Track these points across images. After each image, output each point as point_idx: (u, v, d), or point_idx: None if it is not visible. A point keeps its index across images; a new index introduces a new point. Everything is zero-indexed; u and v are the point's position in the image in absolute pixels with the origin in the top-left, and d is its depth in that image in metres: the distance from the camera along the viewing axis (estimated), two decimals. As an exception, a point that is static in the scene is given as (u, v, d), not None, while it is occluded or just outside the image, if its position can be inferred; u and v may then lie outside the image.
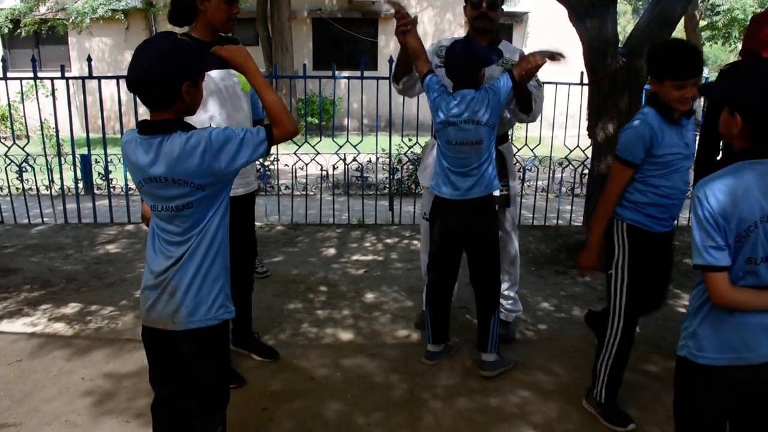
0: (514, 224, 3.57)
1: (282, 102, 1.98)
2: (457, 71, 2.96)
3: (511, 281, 3.63)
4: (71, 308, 3.98)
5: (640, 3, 26.78)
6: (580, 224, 6.00)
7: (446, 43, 3.17)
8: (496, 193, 3.15)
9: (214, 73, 2.84)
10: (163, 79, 1.83)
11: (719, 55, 34.67)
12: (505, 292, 3.57)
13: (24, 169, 6.00)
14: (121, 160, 5.99)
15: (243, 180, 3.06)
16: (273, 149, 4.02)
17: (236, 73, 2.89)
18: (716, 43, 20.74)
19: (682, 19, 9.08)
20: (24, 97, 6.38)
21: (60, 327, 3.72)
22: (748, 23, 3.13)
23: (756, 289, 1.74)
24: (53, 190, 6.64)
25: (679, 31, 22.08)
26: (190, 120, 1.95)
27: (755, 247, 1.71)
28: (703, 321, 1.81)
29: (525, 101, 3.19)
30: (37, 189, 6.53)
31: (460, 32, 16.32)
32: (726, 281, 1.72)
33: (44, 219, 6.06)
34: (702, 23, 20.60)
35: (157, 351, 2.06)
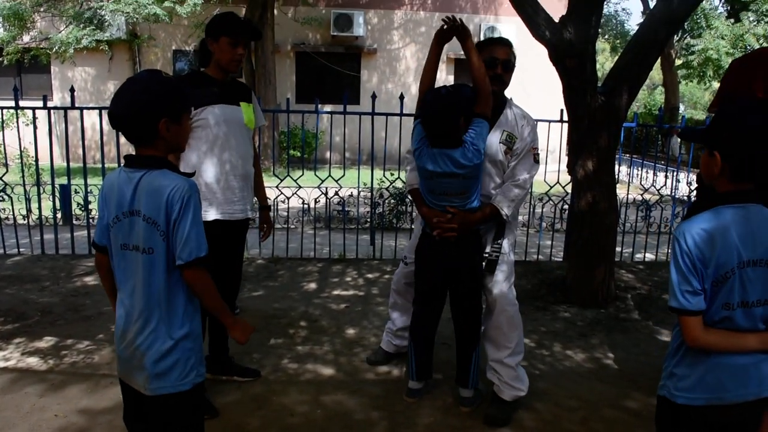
0: (509, 281, 3.24)
1: (216, 311, 2.03)
2: (432, 129, 2.93)
3: (512, 348, 3.19)
4: (46, 342, 3.90)
5: (618, 42, 27.40)
6: (560, 259, 6.04)
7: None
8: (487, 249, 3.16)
9: (218, 109, 3.08)
10: (138, 116, 1.87)
11: (695, 92, 35.49)
12: (505, 360, 3.18)
13: (1, 198, 5.93)
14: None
15: (240, 206, 3.22)
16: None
17: (241, 108, 3.17)
18: (692, 81, 21.24)
19: (659, 59, 9.27)
20: (3, 125, 6.32)
21: (33, 361, 3.63)
22: (729, 65, 3.20)
23: (729, 331, 1.74)
24: (31, 220, 6.55)
25: (656, 70, 22.61)
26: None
27: (731, 293, 1.71)
28: (680, 361, 1.82)
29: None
30: (14, 218, 6.45)
31: (442, 67, 16.53)
32: (699, 325, 1.72)
33: (20, 249, 5.97)
34: (678, 62, 21.11)
35: (132, 391, 2.04)
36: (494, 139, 3.07)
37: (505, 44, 3.16)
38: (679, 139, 18.75)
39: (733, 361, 1.75)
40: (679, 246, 1.72)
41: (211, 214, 3.08)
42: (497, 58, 3.08)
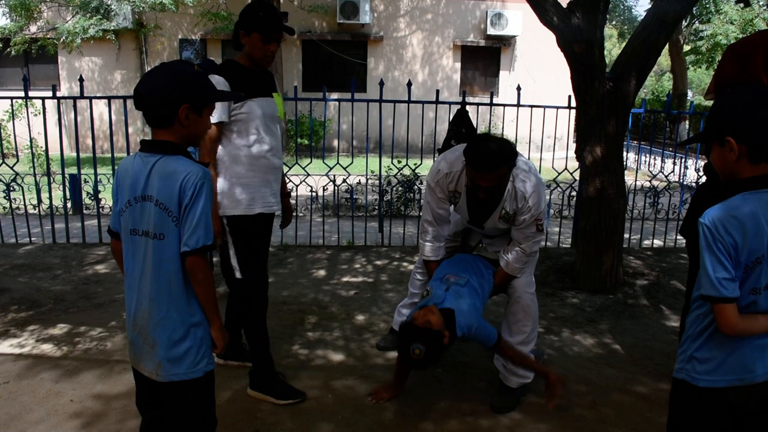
0: (529, 271, 3.27)
1: (209, 304, 2.00)
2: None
3: (523, 337, 3.21)
4: (59, 329, 3.95)
5: (626, 28, 27.19)
6: (569, 246, 6.05)
7: (446, 170, 3.13)
8: None
9: (256, 102, 3.02)
10: (162, 96, 1.89)
11: (703, 78, 35.25)
12: (515, 347, 3.18)
13: (12, 188, 5.98)
14: (110, 180, 5.97)
15: (272, 199, 3.16)
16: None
17: (274, 99, 3.15)
18: (700, 67, 21.09)
19: (667, 45, 9.23)
20: (13, 115, 6.36)
21: (48, 348, 3.69)
22: (726, 49, 3.19)
23: (755, 315, 1.75)
24: (41, 210, 6.61)
25: (664, 56, 22.46)
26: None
27: (759, 278, 1.73)
28: (703, 345, 1.82)
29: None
30: (25, 208, 6.50)
31: (449, 54, 16.56)
32: (735, 312, 1.72)
33: (32, 239, 6.02)
34: (686, 48, 20.96)
35: (144, 377, 2.06)
36: (494, 216, 3.12)
37: (494, 169, 2.84)
38: (687, 126, 18.67)
39: (754, 342, 1.77)
40: (712, 235, 1.71)
41: (257, 207, 3.04)
42: (479, 185, 2.91)
